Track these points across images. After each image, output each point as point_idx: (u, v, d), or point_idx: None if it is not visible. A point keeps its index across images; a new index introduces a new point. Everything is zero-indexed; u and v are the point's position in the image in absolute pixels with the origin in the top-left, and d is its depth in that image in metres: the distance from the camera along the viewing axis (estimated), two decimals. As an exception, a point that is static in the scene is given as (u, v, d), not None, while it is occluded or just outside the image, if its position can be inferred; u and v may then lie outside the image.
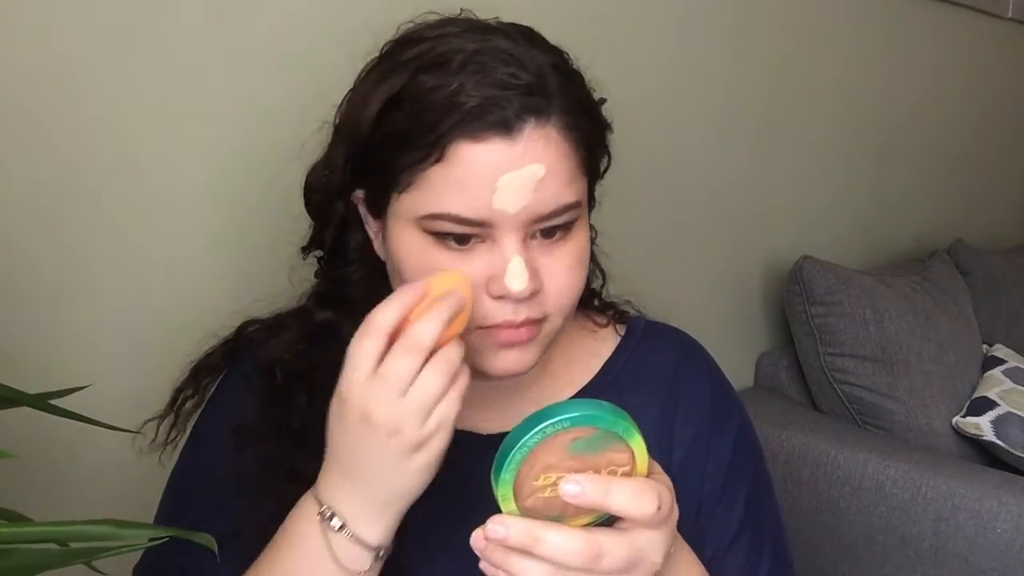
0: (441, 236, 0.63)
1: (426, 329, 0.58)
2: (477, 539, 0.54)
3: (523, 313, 0.63)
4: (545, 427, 0.51)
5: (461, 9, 0.69)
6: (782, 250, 1.77)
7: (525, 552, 0.52)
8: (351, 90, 0.68)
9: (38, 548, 0.50)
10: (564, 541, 0.52)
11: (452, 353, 0.59)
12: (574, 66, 0.68)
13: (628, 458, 0.53)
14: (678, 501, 0.56)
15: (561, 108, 0.63)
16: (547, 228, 0.64)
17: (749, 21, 1.58)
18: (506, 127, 0.61)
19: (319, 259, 0.75)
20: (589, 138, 0.66)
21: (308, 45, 0.97)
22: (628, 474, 0.54)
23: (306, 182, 0.72)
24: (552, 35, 0.68)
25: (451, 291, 0.61)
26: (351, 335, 0.62)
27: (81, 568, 0.54)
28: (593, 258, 0.78)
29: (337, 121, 0.70)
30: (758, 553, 0.75)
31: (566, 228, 0.65)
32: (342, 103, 0.69)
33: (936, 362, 1.71)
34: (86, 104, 0.82)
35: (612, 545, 0.53)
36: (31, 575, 0.48)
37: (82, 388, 0.62)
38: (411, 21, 0.68)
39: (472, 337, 0.64)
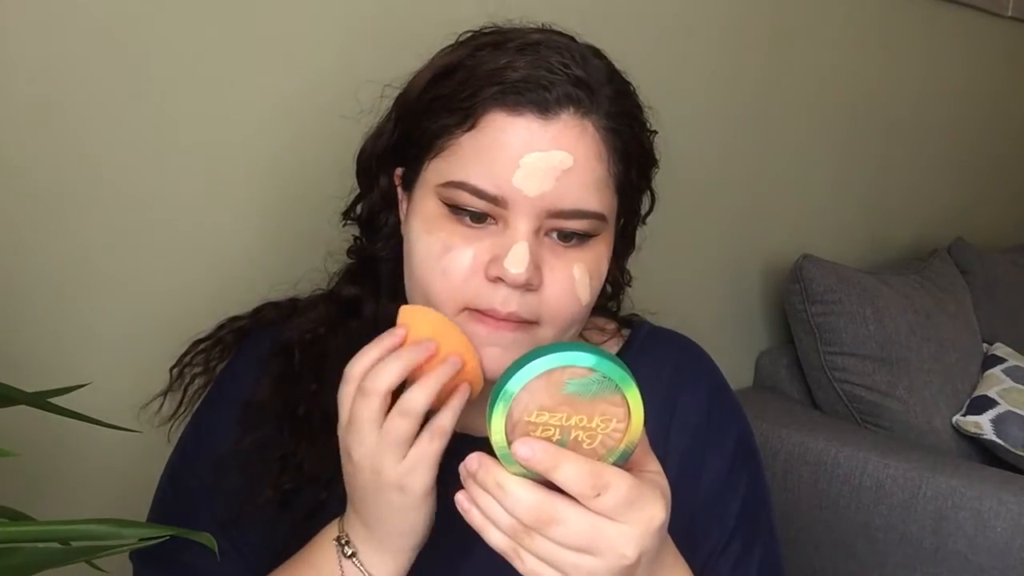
0: (457, 210, 0.63)
1: (384, 375, 0.59)
2: (471, 461, 0.54)
3: (512, 305, 0.62)
4: (542, 361, 0.51)
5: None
6: (782, 249, 1.77)
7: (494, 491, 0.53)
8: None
9: (40, 547, 0.50)
10: (520, 491, 0.52)
11: (415, 397, 0.59)
12: (637, 100, 0.69)
13: (624, 413, 0.52)
14: (672, 510, 0.56)
15: (606, 111, 0.64)
16: (563, 231, 0.63)
17: (749, 20, 1.58)
18: (543, 107, 0.61)
19: (355, 238, 0.76)
20: (629, 155, 0.66)
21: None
22: (622, 431, 0.53)
23: (360, 147, 0.74)
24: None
25: (428, 339, 0.61)
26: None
27: (82, 566, 0.54)
28: (615, 294, 0.80)
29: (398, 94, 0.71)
30: (746, 565, 0.75)
31: (583, 238, 0.64)
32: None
33: (936, 361, 1.71)
34: (87, 99, 0.82)
35: (570, 515, 0.52)
36: (33, 573, 0.48)
37: (81, 386, 0.62)
38: (494, 23, 0.70)
39: (459, 318, 0.64)
